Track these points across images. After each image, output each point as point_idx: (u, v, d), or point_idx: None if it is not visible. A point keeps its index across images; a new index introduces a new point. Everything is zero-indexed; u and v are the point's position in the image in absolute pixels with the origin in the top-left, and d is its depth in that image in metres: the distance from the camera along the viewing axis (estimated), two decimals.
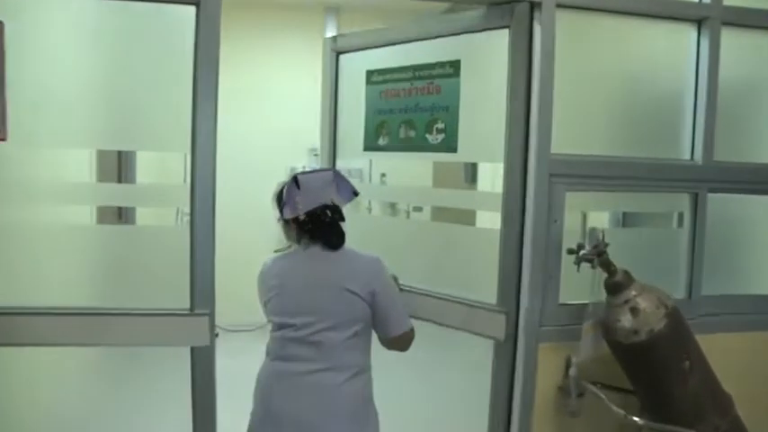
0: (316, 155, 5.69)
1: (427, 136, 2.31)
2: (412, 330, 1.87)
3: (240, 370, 4.75)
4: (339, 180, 1.87)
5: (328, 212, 1.81)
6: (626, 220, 2.58)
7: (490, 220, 2.25)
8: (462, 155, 2.27)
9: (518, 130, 2.01)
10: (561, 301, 2.05)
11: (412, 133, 2.37)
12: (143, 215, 2.80)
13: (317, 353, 1.74)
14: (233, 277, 5.61)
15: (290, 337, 1.76)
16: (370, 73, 2.51)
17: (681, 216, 2.29)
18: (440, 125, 2.27)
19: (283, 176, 5.58)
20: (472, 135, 2.20)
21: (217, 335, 5.42)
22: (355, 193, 1.89)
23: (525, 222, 2.03)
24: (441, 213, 2.73)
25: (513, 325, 2.03)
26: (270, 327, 1.85)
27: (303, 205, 1.78)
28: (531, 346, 2.01)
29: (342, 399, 1.74)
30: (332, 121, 2.64)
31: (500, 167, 2.10)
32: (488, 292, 2.08)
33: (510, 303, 2.03)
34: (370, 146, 2.53)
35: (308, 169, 1.97)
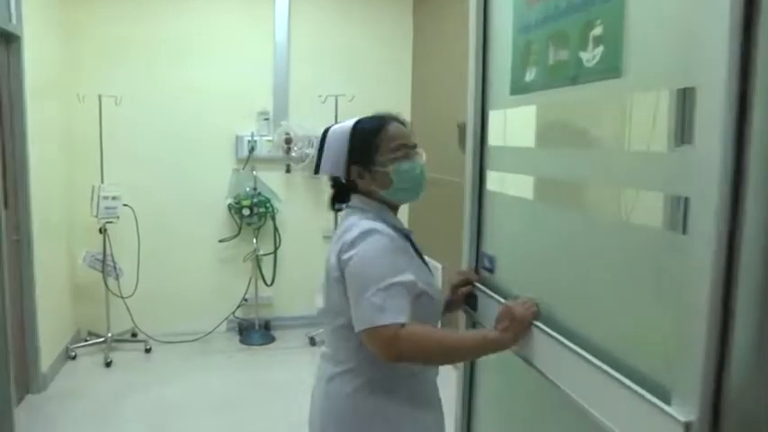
0: (266, 119, 4.81)
1: (581, 55, 1.29)
2: (384, 333, 1.32)
3: (173, 400, 3.64)
4: None
5: (331, 180, 1.60)
6: None
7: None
8: (631, 80, 1.17)
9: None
10: None
11: (564, 54, 1.37)
12: None
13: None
14: (167, 276, 4.62)
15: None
16: None
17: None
18: (597, 31, 1.24)
19: (228, 148, 4.67)
20: (649, 41, 1.12)
21: (149, 350, 4.34)
22: None
23: (741, 222, 0.92)
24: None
25: None
26: None
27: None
28: None
29: (325, 396, 1.50)
30: (480, 55, 1.79)
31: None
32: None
33: (702, 400, 0.93)
34: (518, 85, 1.59)
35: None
